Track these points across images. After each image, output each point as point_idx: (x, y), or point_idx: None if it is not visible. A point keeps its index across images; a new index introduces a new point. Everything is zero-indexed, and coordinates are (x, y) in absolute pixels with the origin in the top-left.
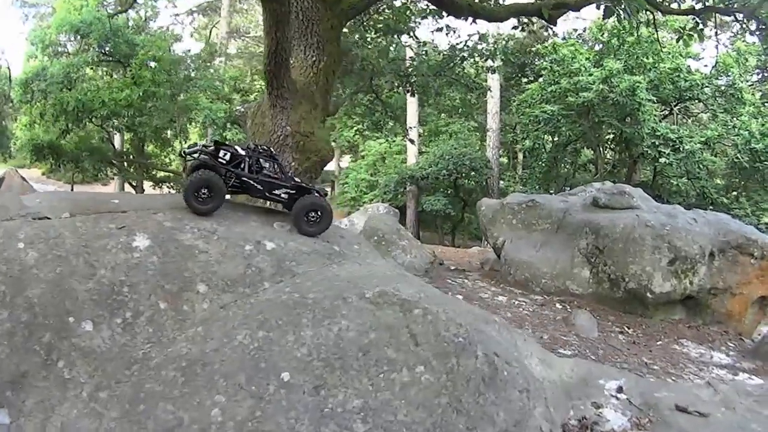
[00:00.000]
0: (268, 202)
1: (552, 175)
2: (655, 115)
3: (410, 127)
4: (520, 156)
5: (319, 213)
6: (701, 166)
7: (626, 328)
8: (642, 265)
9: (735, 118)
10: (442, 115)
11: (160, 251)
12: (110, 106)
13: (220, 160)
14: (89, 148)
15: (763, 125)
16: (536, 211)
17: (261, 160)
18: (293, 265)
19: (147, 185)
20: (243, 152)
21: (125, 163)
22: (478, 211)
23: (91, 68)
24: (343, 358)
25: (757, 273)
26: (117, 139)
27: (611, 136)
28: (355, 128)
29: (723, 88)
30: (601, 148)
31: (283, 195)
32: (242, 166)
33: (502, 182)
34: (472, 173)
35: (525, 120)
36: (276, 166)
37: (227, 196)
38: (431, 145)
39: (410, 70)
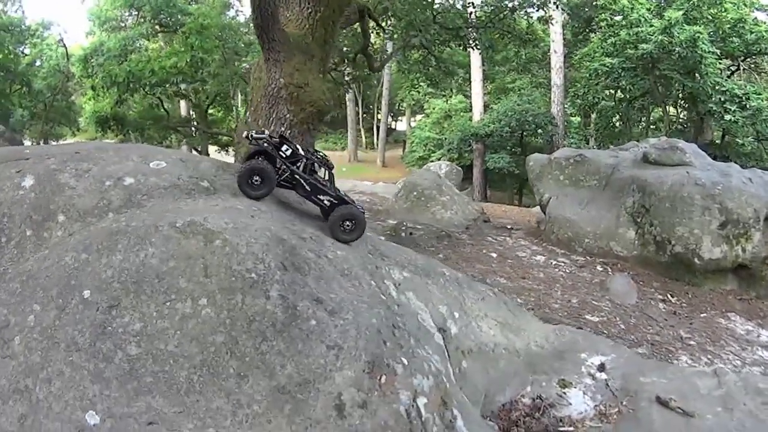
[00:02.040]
0: None
1: (621, 133)
2: (720, 69)
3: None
4: (594, 115)
5: (353, 222)
6: None
7: (669, 297)
8: (690, 227)
9: None
10: (511, 72)
11: (39, 188)
12: (159, 74)
13: (281, 153)
14: (153, 117)
15: None
16: (584, 166)
17: (316, 164)
18: (143, 199)
19: (212, 150)
20: (303, 153)
21: (192, 129)
22: (527, 166)
23: (147, 40)
24: (139, 283)
25: None
26: (183, 107)
27: (677, 92)
28: (414, 86)
29: None
30: (667, 105)
31: (326, 201)
32: (298, 164)
33: (572, 140)
34: (539, 131)
35: (585, 74)
36: (327, 174)
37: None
38: (497, 102)
39: (458, 22)
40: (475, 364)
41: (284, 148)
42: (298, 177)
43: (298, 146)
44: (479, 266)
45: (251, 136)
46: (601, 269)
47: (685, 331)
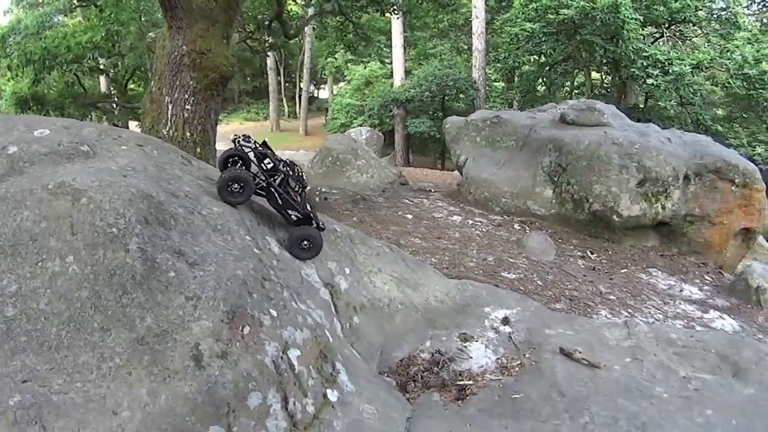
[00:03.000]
0: None
1: (544, 98)
2: (643, 35)
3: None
4: (516, 80)
5: (310, 242)
6: (693, 90)
7: (589, 253)
8: (607, 186)
9: (729, 43)
10: (432, 38)
11: None
12: (75, 50)
13: (263, 164)
14: (72, 95)
15: (758, 51)
16: (501, 127)
17: (290, 180)
18: (25, 166)
19: (133, 125)
20: (282, 168)
21: (113, 105)
22: (444, 129)
23: (65, 15)
24: (15, 246)
25: (740, 202)
26: (103, 83)
27: (600, 57)
28: (333, 53)
29: (718, 11)
30: (590, 70)
31: (293, 216)
32: (276, 177)
33: (494, 104)
34: (460, 95)
35: (506, 39)
36: (300, 190)
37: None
38: (418, 68)
39: None
40: (368, 319)
41: (267, 160)
42: (272, 190)
43: (280, 160)
44: (394, 228)
45: (237, 141)
46: (518, 228)
47: (604, 287)
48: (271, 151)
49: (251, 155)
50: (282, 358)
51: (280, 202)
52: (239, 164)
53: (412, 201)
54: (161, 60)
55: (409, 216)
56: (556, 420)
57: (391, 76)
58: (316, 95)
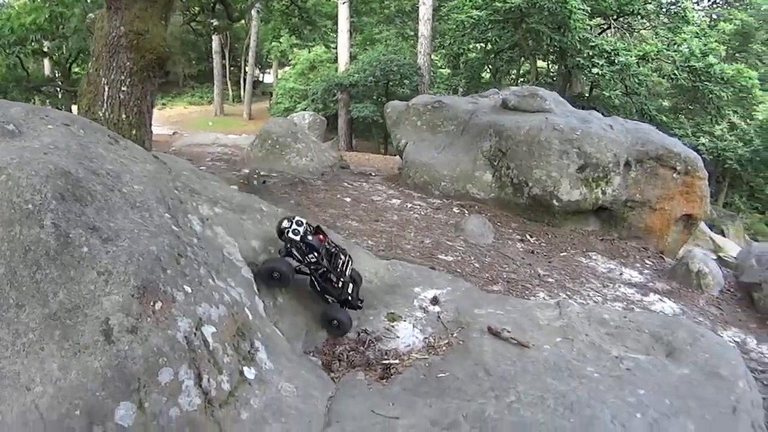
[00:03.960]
0: None
1: (489, 84)
2: (590, 26)
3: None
4: (463, 66)
5: (339, 322)
6: (639, 81)
7: (528, 237)
8: (547, 170)
9: (677, 36)
10: (379, 24)
11: None
12: (19, 32)
13: (307, 258)
14: (15, 78)
15: (705, 45)
16: (442, 112)
17: (334, 273)
18: None
19: (76, 109)
20: (324, 263)
21: (57, 89)
22: (385, 113)
23: None
24: None
25: (681, 189)
26: (47, 66)
27: (547, 46)
28: (277, 37)
29: (667, 5)
30: (536, 58)
31: (329, 300)
32: (318, 269)
33: (438, 90)
34: (405, 81)
35: (452, 26)
36: (342, 282)
37: None
38: (364, 53)
39: None
40: (292, 299)
41: (311, 256)
42: (312, 279)
43: (327, 248)
44: (332, 211)
45: (288, 236)
46: (457, 211)
47: (543, 270)
48: (324, 234)
49: (294, 251)
50: (195, 334)
51: (318, 288)
52: (286, 248)
53: (351, 184)
54: (99, 41)
55: (348, 199)
56: (481, 399)
57: (335, 60)
58: (261, 79)
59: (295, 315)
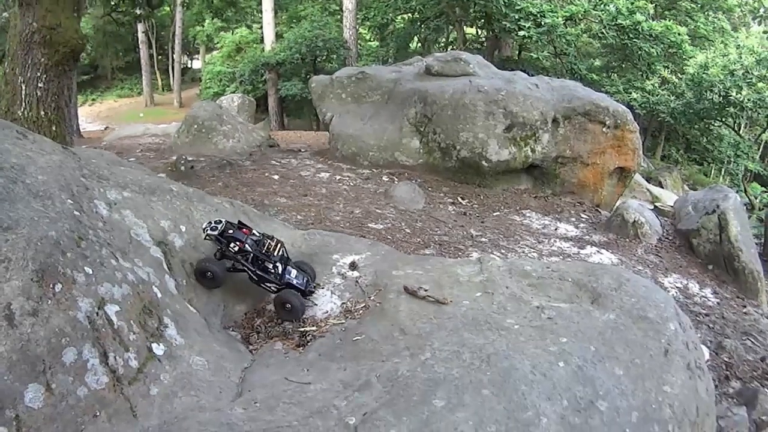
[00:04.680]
0: None
1: (414, 53)
2: None
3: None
4: (389, 37)
5: (291, 305)
6: (567, 41)
7: (460, 200)
8: (474, 132)
9: None
10: (303, 1)
11: None
12: None
13: (230, 249)
14: None
15: (632, 3)
16: (366, 83)
17: (261, 254)
18: None
19: None
20: (249, 248)
21: None
22: (310, 88)
23: None
24: None
25: (612, 143)
26: None
27: (474, 12)
28: (199, 21)
29: None
30: (462, 25)
31: (272, 287)
32: (246, 257)
33: (366, 62)
34: (332, 56)
35: None
36: (277, 265)
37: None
38: (289, 31)
39: None
40: None
41: (231, 245)
42: (246, 270)
43: (248, 240)
44: (260, 189)
45: (207, 233)
46: (387, 180)
47: (476, 230)
48: (247, 228)
49: (218, 246)
50: (98, 313)
51: (255, 278)
52: (217, 249)
53: (279, 162)
54: (13, 39)
55: (276, 176)
56: (396, 358)
57: (262, 41)
58: (189, 66)
59: (212, 292)
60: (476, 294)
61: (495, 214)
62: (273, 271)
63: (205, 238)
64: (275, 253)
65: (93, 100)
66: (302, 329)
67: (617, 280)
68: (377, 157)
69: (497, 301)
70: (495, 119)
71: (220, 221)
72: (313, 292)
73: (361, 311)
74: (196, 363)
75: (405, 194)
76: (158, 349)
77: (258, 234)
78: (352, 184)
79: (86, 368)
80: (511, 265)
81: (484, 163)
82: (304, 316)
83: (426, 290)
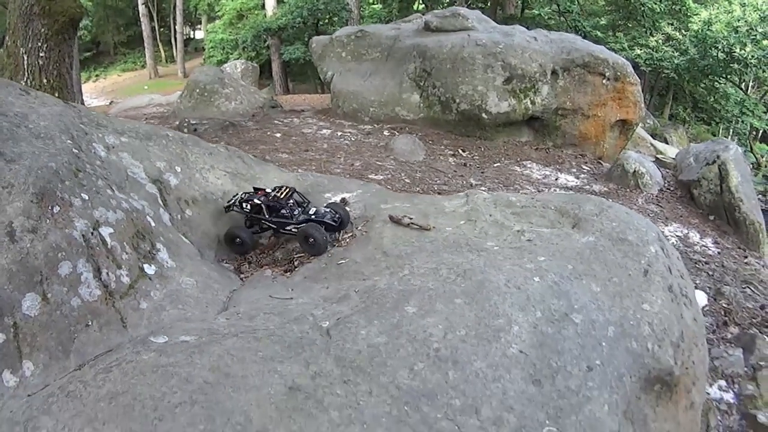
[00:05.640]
0: None
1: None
2: None
3: None
4: None
5: (314, 238)
6: None
7: (460, 152)
8: (473, 85)
9: None
10: None
11: None
12: None
13: (244, 210)
14: None
15: None
16: (366, 40)
17: (275, 204)
18: None
19: None
20: (259, 201)
21: None
22: (311, 49)
23: None
24: None
25: (613, 95)
26: None
27: None
28: None
29: None
30: None
31: (293, 230)
32: (261, 212)
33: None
34: (334, 18)
35: None
36: (290, 208)
37: None
38: None
39: None
40: (201, 212)
41: (244, 205)
42: (265, 223)
43: (257, 197)
44: (262, 147)
45: (225, 206)
46: (388, 134)
47: (476, 180)
48: (262, 190)
49: (235, 211)
50: (92, 233)
51: (274, 226)
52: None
53: (282, 122)
54: (13, 13)
55: (278, 135)
56: (376, 276)
57: (263, 6)
58: (192, 36)
59: (204, 226)
60: (460, 222)
61: (495, 165)
62: (288, 214)
63: (226, 212)
64: (286, 199)
65: (97, 76)
66: (291, 257)
67: (599, 207)
68: (378, 112)
69: (479, 227)
70: (494, 72)
71: (236, 193)
72: (341, 227)
73: (348, 239)
74: (186, 282)
75: (405, 146)
76: (149, 269)
77: (270, 191)
78: (353, 139)
79: (80, 281)
80: (497, 197)
81: (483, 115)
82: (289, 246)
83: (411, 218)
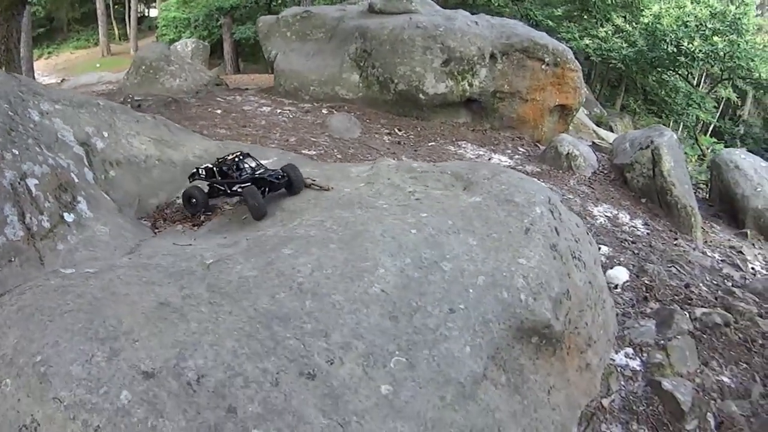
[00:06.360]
0: None
1: None
2: None
3: None
4: None
5: (247, 202)
6: None
7: (396, 131)
8: (411, 66)
9: None
10: None
11: None
12: None
13: (199, 176)
14: None
15: None
16: (311, 21)
17: (224, 168)
18: None
19: None
20: (211, 165)
21: None
22: (257, 28)
23: None
24: None
25: (552, 80)
26: None
27: None
28: None
29: None
30: None
31: (238, 189)
32: (212, 177)
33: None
34: None
35: None
36: (239, 170)
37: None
38: None
39: None
40: (125, 173)
41: (199, 171)
42: (216, 186)
43: (209, 164)
44: (201, 122)
45: (189, 178)
46: (326, 112)
47: (407, 157)
48: (222, 158)
49: (197, 179)
50: (19, 183)
51: (226, 190)
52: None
53: (224, 99)
54: None
55: (219, 111)
56: (270, 229)
57: None
58: (147, 15)
59: (126, 186)
60: (360, 185)
61: (430, 144)
62: (234, 175)
63: (191, 181)
64: (234, 162)
65: (49, 53)
66: (201, 215)
67: (492, 172)
68: (318, 91)
69: (376, 188)
70: (432, 54)
71: (199, 166)
72: (291, 187)
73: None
74: (100, 230)
75: (341, 124)
76: (69, 217)
77: (228, 157)
78: (291, 116)
79: (6, 222)
80: (400, 164)
81: (420, 96)
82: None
83: (313, 180)
